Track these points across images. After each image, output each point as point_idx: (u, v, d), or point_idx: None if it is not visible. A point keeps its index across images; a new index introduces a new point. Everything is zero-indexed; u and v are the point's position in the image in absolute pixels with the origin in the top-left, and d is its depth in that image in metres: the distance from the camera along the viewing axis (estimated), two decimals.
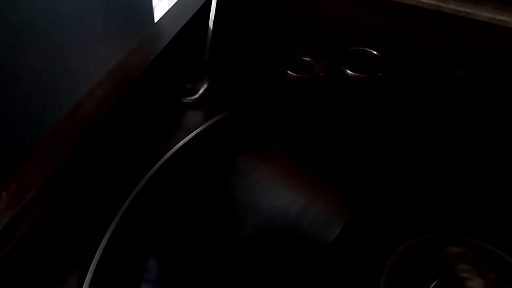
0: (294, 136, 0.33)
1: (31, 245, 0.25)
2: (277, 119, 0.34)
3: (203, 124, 0.33)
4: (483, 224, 0.28)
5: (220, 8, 0.36)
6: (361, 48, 0.40)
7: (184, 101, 0.35)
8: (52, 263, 0.26)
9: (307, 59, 0.39)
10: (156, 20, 0.37)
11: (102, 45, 0.47)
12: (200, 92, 0.35)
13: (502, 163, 0.32)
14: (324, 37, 0.41)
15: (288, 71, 0.38)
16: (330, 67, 0.38)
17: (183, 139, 0.32)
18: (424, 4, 0.37)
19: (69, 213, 0.27)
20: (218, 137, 0.33)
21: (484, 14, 0.36)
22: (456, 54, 0.38)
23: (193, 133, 0.32)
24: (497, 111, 0.35)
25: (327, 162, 0.32)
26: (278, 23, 0.43)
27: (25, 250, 0.25)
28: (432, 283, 0.25)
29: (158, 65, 0.34)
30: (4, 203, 0.24)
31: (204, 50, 0.36)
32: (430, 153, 0.33)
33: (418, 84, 0.37)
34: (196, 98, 0.35)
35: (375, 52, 0.39)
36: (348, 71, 0.38)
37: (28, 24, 0.39)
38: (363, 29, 0.40)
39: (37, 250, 0.26)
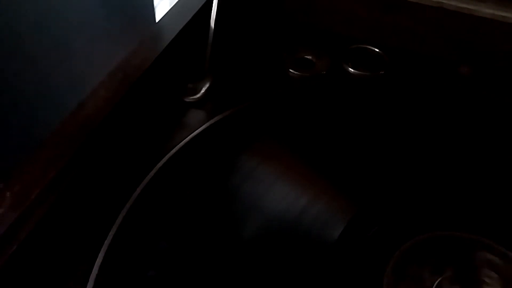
0: (296, 134, 0.33)
1: (36, 245, 0.25)
2: (279, 117, 0.34)
3: (205, 123, 0.33)
4: (487, 221, 0.28)
5: (221, 7, 0.36)
6: (363, 45, 0.40)
7: (186, 100, 0.35)
8: (56, 262, 0.26)
9: (309, 57, 0.39)
10: (157, 20, 0.37)
11: (104, 45, 0.47)
12: (202, 91, 0.35)
13: (507, 161, 0.32)
14: (325, 35, 0.41)
15: (290, 70, 0.38)
16: (332, 65, 0.38)
17: (185, 138, 0.32)
18: (426, 0, 0.37)
19: (73, 213, 0.27)
20: (220, 136, 0.33)
21: (487, 10, 0.36)
22: (458, 51, 0.38)
23: (195, 132, 0.32)
24: (500, 107, 0.35)
25: (330, 160, 0.32)
26: (279, 22, 0.43)
27: (30, 250, 0.25)
28: (436, 281, 0.25)
29: (160, 64, 0.34)
30: (9, 203, 0.25)
31: (206, 49, 0.36)
32: (433, 149, 0.33)
33: (420, 81, 0.37)
34: (198, 97, 0.35)
35: (377, 50, 0.39)
36: (350, 69, 0.38)
37: (29, 25, 0.39)
38: (365, 26, 0.40)
39: (41, 250, 0.26)
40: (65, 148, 0.27)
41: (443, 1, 0.37)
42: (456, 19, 0.37)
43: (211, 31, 0.36)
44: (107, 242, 0.26)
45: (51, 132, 0.28)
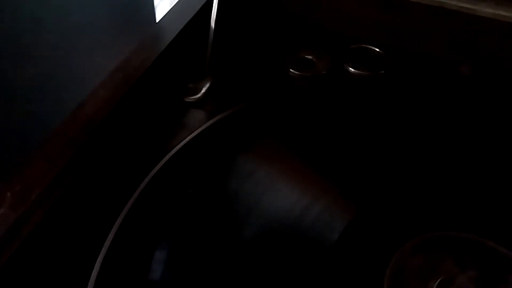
0: (297, 134, 0.33)
1: (36, 245, 0.25)
2: (280, 117, 0.34)
3: (205, 123, 0.33)
4: (487, 222, 0.28)
5: (222, 7, 0.36)
6: (364, 45, 0.40)
7: (187, 100, 0.35)
8: (56, 262, 0.26)
9: (309, 57, 0.39)
10: (157, 20, 0.37)
11: (104, 45, 0.47)
12: (203, 91, 0.35)
13: (507, 161, 0.32)
14: (326, 35, 0.41)
15: (290, 70, 0.38)
16: (332, 65, 0.38)
17: (185, 138, 0.32)
18: (426, 0, 0.37)
19: (74, 213, 0.27)
20: (220, 136, 0.33)
21: (487, 9, 0.36)
22: (459, 50, 0.38)
23: (195, 132, 0.32)
24: (500, 107, 0.35)
25: (330, 160, 0.32)
26: (280, 22, 0.43)
27: (30, 250, 0.25)
28: (436, 282, 0.25)
29: (160, 64, 0.34)
30: (9, 203, 0.25)
31: (206, 49, 0.36)
32: (434, 150, 0.33)
33: (421, 81, 0.37)
34: (198, 97, 0.35)
35: (377, 50, 0.39)
36: (350, 68, 0.38)
37: (30, 25, 0.39)
38: (366, 26, 0.40)
39: (42, 250, 0.26)
40: (65, 148, 0.27)
41: (444, 1, 0.37)
42: (456, 19, 0.37)
43: (211, 31, 0.36)
44: (107, 242, 0.26)
45: (51, 132, 0.28)
